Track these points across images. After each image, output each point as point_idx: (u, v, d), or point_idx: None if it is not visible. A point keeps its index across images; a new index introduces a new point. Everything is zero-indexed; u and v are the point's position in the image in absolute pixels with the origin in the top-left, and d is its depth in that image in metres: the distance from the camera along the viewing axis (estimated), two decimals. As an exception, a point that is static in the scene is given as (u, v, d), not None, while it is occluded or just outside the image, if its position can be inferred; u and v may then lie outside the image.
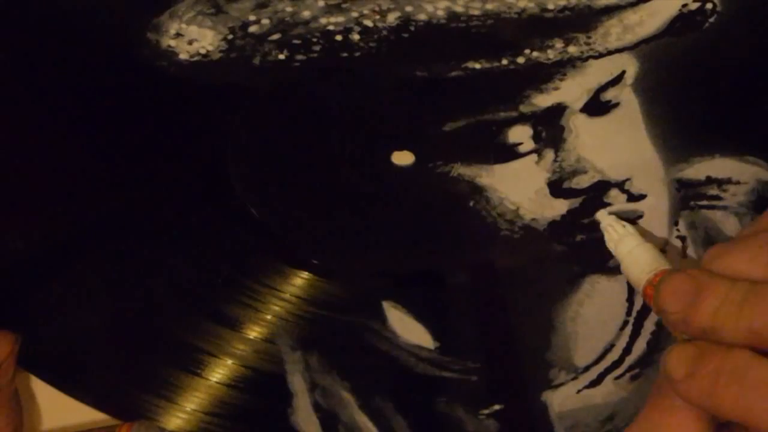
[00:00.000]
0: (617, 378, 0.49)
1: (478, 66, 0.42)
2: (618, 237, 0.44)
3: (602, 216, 0.45)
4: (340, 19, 0.41)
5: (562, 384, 0.49)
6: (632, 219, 0.46)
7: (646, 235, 0.45)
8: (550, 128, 0.44)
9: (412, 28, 0.41)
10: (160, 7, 0.41)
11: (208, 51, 0.42)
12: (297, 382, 0.48)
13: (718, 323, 0.36)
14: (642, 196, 0.46)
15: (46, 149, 0.45)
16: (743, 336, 0.35)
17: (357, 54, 0.42)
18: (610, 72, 0.43)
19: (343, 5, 0.41)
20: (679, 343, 0.37)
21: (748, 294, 0.36)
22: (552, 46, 0.42)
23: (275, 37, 0.41)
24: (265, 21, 0.41)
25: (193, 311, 0.48)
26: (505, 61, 0.42)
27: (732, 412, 0.35)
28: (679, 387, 0.36)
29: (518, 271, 0.47)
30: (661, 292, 0.38)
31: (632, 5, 0.41)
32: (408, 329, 0.48)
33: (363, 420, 0.49)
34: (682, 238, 0.46)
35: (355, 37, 0.41)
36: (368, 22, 0.41)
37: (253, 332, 0.48)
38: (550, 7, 0.41)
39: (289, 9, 0.41)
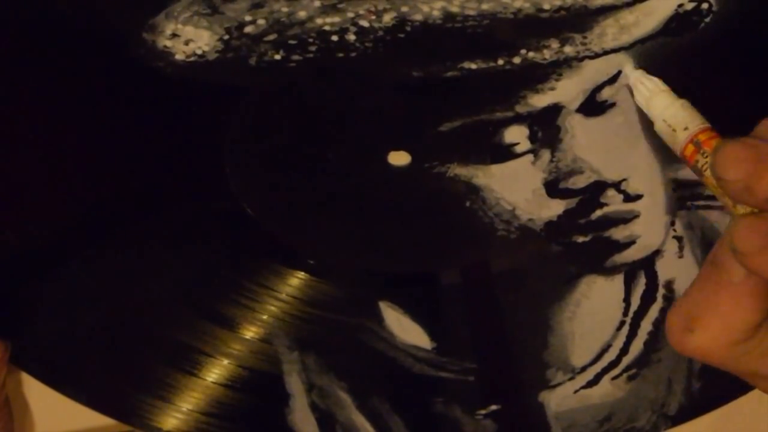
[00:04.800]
0: (614, 378, 0.49)
1: (474, 66, 0.42)
2: (649, 93, 0.42)
3: (630, 71, 0.43)
4: (336, 19, 0.41)
5: (559, 384, 0.49)
6: (629, 219, 0.46)
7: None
8: (546, 128, 0.44)
9: (408, 29, 0.41)
10: (155, 8, 0.41)
11: (204, 51, 0.42)
12: (294, 383, 0.48)
13: None
14: (638, 197, 0.46)
15: (42, 149, 0.45)
16: None
17: (353, 54, 0.42)
18: (606, 72, 0.43)
19: (339, 5, 0.41)
20: (741, 216, 0.36)
21: None
22: (548, 47, 0.42)
23: (271, 37, 0.41)
24: (261, 21, 0.41)
25: (189, 311, 0.48)
26: (501, 62, 0.42)
27: None
28: (751, 260, 0.35)
29: (515, 271, 0.48)
30: (720, 159, 0.36)
31: (628, 5, 0.41)
32: (405, 329, 0.48)
33: (360, 420, 0.49)
34: (679, 239, 0.46)
35: (351, 37, 0.41)
36: (364, 23, 0.41)
37: (250, 332, 0.48)
38: (546, 7, 0.41)
39: (284, 9, 0.41)
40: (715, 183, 0.37)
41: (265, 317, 0.48)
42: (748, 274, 0.36)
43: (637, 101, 0.42)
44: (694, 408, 0.49)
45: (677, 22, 0.42)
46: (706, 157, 0.38)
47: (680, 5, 0.41)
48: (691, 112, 0.40)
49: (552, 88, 0.43)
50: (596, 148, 0.45)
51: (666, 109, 0.41)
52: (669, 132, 0.40)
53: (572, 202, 0.46)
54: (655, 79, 0.42)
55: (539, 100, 0.43)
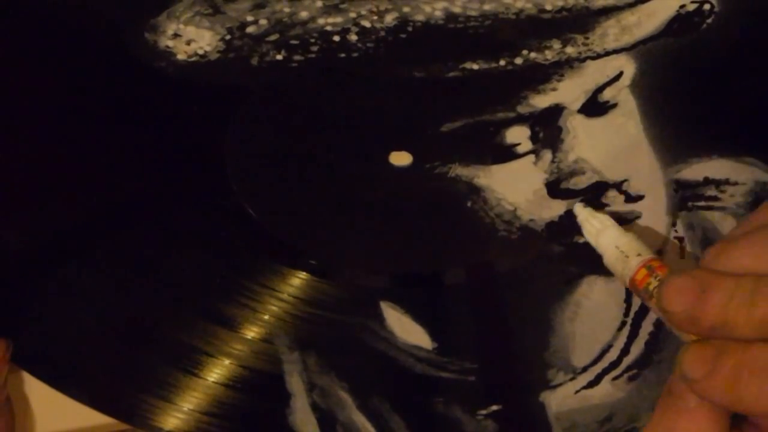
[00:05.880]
0: (615, 379, 0.49)
1: (475, 67, 0.42)
2: (597, 230, 0.44)
3: (579, 210, 0.45)
4: (338, 19, 0.41)
5: (560, 384, 0.49)
6: (630, 219, 0.46)
7: (645, 235, 0.45)
8: (547, 129, 0.44)
9: (410, 29, 0.41)
10: (157, 8, 0.41)
11: (205, 51, 0.42)
12: (295, 383, 0.48)
13: (729, 318, 0.35)
14: (640, 197, 0.46)
15: (42, 149, 0.45)
16: (757, 329, 0.35)
17: (355, 54, 0.42)
18: (608, 73, 0.43)
19: (341, 6, 0.41)
20: (690, 343, 0.37)
21: (757, 286, 0.35)
22: (550, 47, 0.42)
23: (273, 37, 0.41)
24: (263, 21, 0.41)
25: (190, 311, 0.48)
26: (502, 62, 0.42)
27: (756, 406, 0.34)
28: (699, 386, 0.35)
29: (516, 271, 0.47)
30: (664, 292, 0.37)
31: (630, 6, 0.41)
32: (406, 329, 0.48)
33: (361, 420, 0.49)
34: (680, 239, 0.46)
35: (353, 37, 0.41)
36: (366, 23, 0.41)
37: (251, 332, 0.48)
38: (548, 8, 0.41)
39: (286, 9, 0.41)
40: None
41: (266, 317, 0.48)
42: (701, 400, 0.36)
43: (586, 236, 0.45)
44: (695, 408, 0.49)
45: (679, 22, 0.42)
46: (658, 279, 0.40)
47: (682, 6, 0.41)
48: (643, 243, 0.42)
49: (554, 89, 0.43)
50: (598, 148, 0.45)
51: (619, 238, 0.43)
52: (621, 257, 0.42)
53: (573, 203, 0.46)
54: (603, 216, 0.44)
55: (541, 101, 0.43)
